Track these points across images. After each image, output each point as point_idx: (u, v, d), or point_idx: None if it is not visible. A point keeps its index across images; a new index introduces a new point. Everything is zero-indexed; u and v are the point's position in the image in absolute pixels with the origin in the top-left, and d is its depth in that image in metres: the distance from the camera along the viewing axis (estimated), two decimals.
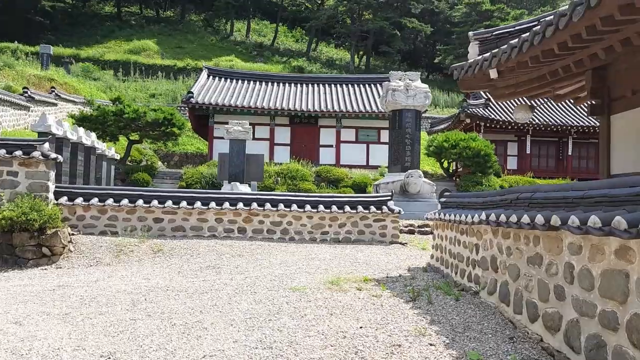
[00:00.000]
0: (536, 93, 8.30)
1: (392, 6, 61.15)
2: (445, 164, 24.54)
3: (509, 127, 27.94)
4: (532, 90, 8.10)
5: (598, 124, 27.36)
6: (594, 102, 7.46)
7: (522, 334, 4.52)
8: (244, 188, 16.10)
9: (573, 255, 3.86)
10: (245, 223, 11.13)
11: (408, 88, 16.93)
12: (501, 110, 28.94)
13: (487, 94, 29.23)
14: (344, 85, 28.85)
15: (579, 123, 28.16)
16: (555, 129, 28.06)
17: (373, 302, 5.89)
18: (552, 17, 5.77)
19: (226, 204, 10.98)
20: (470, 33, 8.76)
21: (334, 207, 11.33)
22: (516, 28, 8.23)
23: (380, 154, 26.11)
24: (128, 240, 9.98)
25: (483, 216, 5.64)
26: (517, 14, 58.10)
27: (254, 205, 11.06)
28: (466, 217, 6.34)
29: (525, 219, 4.46)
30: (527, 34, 6.30)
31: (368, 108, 26.14)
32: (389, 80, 17.65)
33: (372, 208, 11.50)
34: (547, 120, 28.25)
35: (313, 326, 4.94)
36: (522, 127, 28.01)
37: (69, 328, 4.93)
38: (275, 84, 28.67)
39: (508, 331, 4.64)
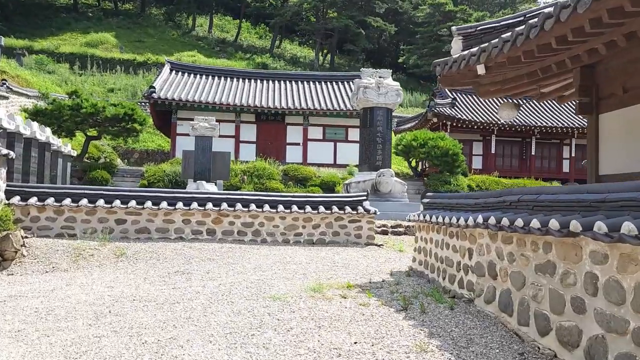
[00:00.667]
0: (522, 91, 8.03)
1: (356, 5, 61.10)
2: (413, 163, 24.42)
3: (475, 127, 28.11)
4: (518, 87, 7.82)
5: (560, 124, 27.69)
6: (581, 100, 7.23)
7: (532, 348, 4.17)
8: (210, 187, 15.46)
9: (596, 264, 3.52)
10: (214, 224, 10.53)
11: (379, 85, 16.62)
12: (467, 110, 29.11)
13: (454, 92, 29.39)
14: (312, 83, 28.38)
15: (542, 123, 28.58)
16: (519, 129, 28.38)
17: (362, 312, 5.46)
18: (551, 9, 5.46)
19: (194, 204, 10.36)
20: (454, 28, 8.43)
21: (308, 208, 10.87)
22: (501, 23, 7.94)
23: (348, 153, 25.79)
24: (88, 244, 9.25)
25: (480, 219, 5.28)
26: (479, 15, 58.97)
27: (224, 205, 10.48)
28: (458, 219, 5.99)
29: (535, 223, 4.10)
30: (522, 27, 5.98)
31: (336, 106, 25.76)
32: (360, 78, 17.30)
33: (347, 208, 11.09)
34: (511, 120, 28.53)
35: (302, 342, 4.47)
36: (487, 127, 28.23)
37: (22, 348, 4.30)
38: (241, 79, 27.96)
39: (516, 345, 4.29)
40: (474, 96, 31.01)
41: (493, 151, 29.17)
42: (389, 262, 9.23)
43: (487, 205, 5.69)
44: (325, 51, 63.36)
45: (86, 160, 21.75)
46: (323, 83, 28.46)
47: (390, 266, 8.74)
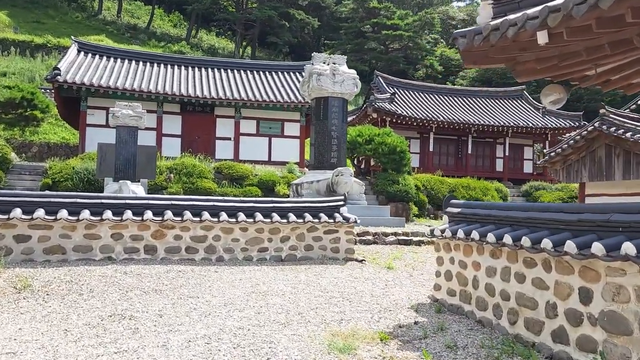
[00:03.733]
0: (577, 70, 6.34)
1: None
2: (356, 161, 22.75)
3: (414, 124, 27.00)
4: (577, 65, 6.11)
5: (496, 123, 27.01)
6: None
7: None
8: (136, 188, 12.70)
9: None
10: (155, 239, 8.01)
11: (335, 73, 14.58)
12: (406, 106, 27.95)
13: (392, 87, 28.05)
14: (244, 72, 25.79)
15: (479, 121, 28.01)
16: (457, 127, 27.60)
17: None
18: None
19: (128, 213, 7.78)
20: None
21: (276, 216, 8.63)
22: None
23: (284, 149, 23.67)
24: None
25: (631, 250, 3.41)
26: (402, 13, 58.89)
27: (169, 214, 7.99)
28: (557, 244, 4.10)
29: None
30: None
31: (272, 97, 23.42)
32: (312, 64, 15.16)
33: (323, 216, 8.98)
34: (449, 117, 27.72)
35: None
36: (426, 124, 27.21)
37: None
38: (162, 65, 24.75)
39: None
40: (411, 92, 30.00)
41: (431, 149, 28.21)
42: (390, 287, 7.25)
43: (612, 225, 3.86)
44: (244, 43, 60.40)
45: None
46: (256, 72, 25.97)
47: (398, 294, 6.76)
